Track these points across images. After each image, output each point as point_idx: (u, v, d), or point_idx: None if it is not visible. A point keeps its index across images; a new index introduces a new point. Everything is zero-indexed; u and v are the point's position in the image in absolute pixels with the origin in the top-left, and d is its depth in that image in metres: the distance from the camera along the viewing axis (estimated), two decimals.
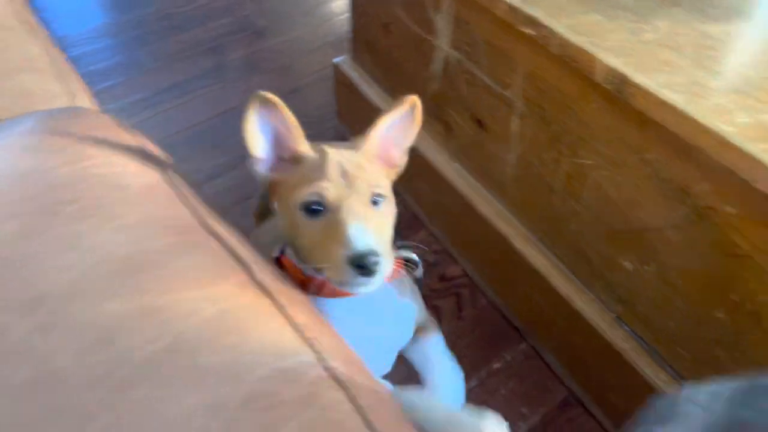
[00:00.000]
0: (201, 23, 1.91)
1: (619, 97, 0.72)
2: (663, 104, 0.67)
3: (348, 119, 1.49)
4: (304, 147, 0.60)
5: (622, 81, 0.70)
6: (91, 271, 0.45)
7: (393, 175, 0.65)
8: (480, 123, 1.03)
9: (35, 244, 0.46)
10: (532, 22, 0.79)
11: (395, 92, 1.26)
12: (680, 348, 0.81)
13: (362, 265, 0.53)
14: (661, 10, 0.80)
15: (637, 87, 0.69)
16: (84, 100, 0.73)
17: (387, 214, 0.60)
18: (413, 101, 0.62)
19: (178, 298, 0.46)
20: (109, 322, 0.43)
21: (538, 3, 0.81)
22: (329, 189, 0.57)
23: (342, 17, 1.97)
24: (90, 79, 1.62)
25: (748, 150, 0.59)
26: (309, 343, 0.45)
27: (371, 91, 1.33)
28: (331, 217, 0.57)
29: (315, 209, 0.57)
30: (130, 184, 0.54)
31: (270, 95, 0.57)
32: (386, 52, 1.24)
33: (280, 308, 0.48)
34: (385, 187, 0.60)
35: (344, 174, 0.58)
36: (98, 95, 1.03)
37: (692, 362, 0.80)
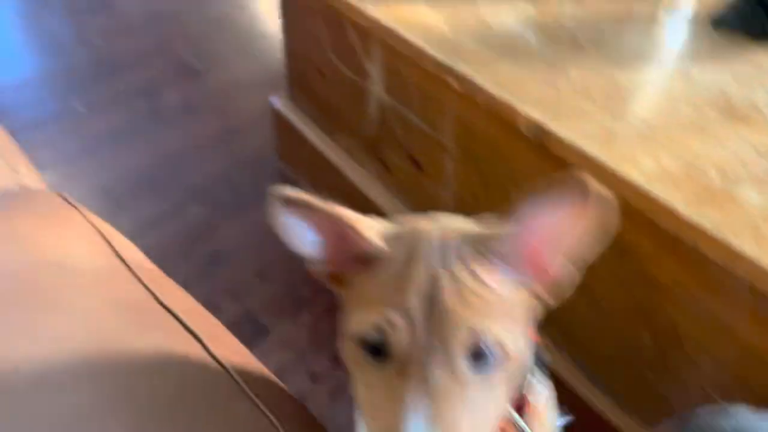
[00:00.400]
0: (134, 66, 1.91)
1: (539, 145, 0.78)
2: (578, 151, 0.73)
3: (289, 158, 1.52)
4: (369, 240, 0.41)
5: (541, 131, 0.76)
6: (53, 361, 0.47)
7: (543, 295, 0.42)
8: (416, 163, 1.08)
9: None
10: (458, 77, 0.85)
11: (334, 133, 1.31)
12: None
13: None
14: (572, 59, 0.87)
15: (554, 136, 0.75)
16: (27, 174, 0.74)
17: (496, 383, 0.38)
18: (582, 182, 0.37)
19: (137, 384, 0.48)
20: (70, 412, 0.45)
21: (462, 57, 0.87)
22: (399, 329, 0.37)
23: (277, 55, 2.00)
24: (23, 129, 1.59)
25: (653, 194, 0.66)
26: None
27: (310, 132, 1.37)
28: (395, 369, 0.37)
29: (375, 348, 0.38)
30: (84, 269, 0.57)
31: (290, 193, 0.42)
32: (322, 94, 1.29)
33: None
34: (507, 333, 0.38)
35: (434, 301, 0.37)
36: (32, 146, 1.01)
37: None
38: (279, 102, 1.45)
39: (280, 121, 1.46)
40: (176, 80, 1.86)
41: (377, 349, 0.38)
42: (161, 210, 1.43)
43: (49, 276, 0.54)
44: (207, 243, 1.36)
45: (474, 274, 0.39)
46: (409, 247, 0.40)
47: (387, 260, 0.40)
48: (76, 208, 0.64)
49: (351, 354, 0.40)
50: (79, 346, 0.49)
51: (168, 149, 1.61)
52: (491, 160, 0.91)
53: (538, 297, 0.42)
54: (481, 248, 0.40)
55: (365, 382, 0.39)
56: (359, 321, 0.39)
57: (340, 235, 0.43)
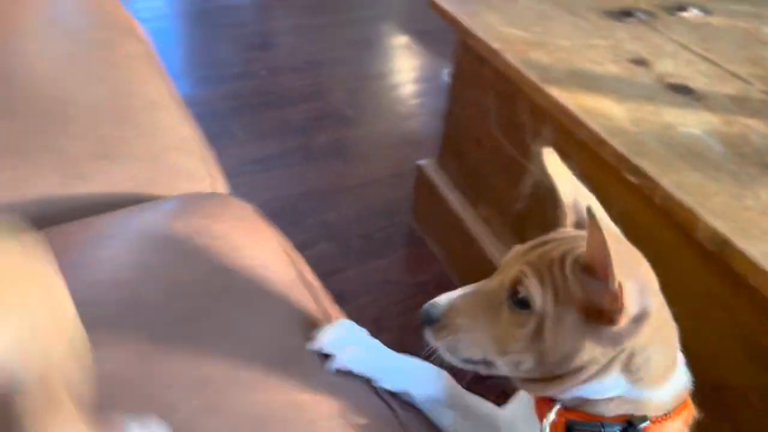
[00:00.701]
0: (293, 104, 2.03)
1: (716, 257, 0.75)
2: (763, 273, 0.70)
3: (424, 220, 1.55)
4: None
5: (724, 243, 0.74)
6: (246, 361, 0.50)
7: (604, 306, 0.46)
8: None
9: (200, 326, 0.51)
10: (638, 172, 0.84)
11: (478, 203, 1.32)
12: None
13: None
14: (762, 179, 0.85)
15: (739, 252, 0.72)
16: (220, 182, 0.80)
17: (515, 324, 0.48)
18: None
19: (317, 398, 0.49)
20: (261, 411, 0.47)
21: (645, 155, 0.86)
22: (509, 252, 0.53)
23: (423, 118, 2.07)
24: None
25: None
26: None
27: (453, 198, 1.39)
28: None
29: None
30: (274, 279, 0.59)
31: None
32: (474, 164, 1.31)
33: None
34: (539, 293, 0.46)
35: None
36: None
37: None
38: (426, 164, 1.49)
39: (422, 181, 1.50)
40: (329, 123, 1.96)
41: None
42: (296, 240, 1.48)
43: (246, 279, 0.57)
44: (331, 281, 1.38)
45: (563, 259, 0.47)
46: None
47: None
48: (265, 222, 0.68)
49: None
50: (268, 353, 0.51)
51: (311, 185, 1.69)
52: (650, 260, 0.89)
53: (599, 310, 0.46)
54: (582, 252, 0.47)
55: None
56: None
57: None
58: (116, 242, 0.59)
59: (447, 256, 1.45)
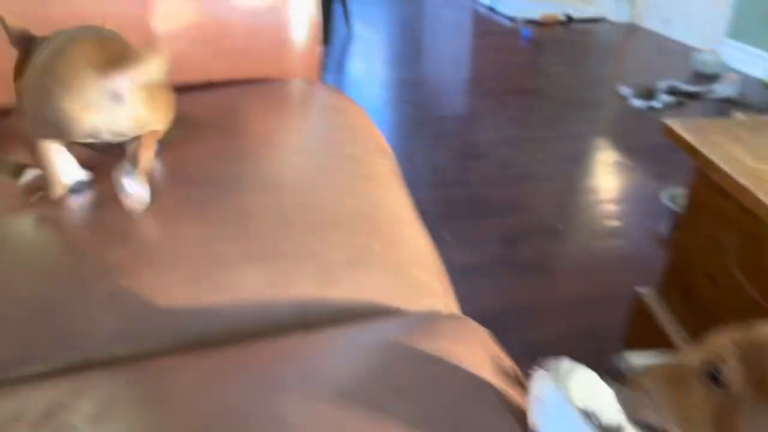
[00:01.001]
0: (503, 214, 2.06)
1: None
2: None
3: (636, 347, 1.45)
4: None
5: None
6: None
7: None
8: None
9: None
10: None
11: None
12: None
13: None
14: None
15: None
16: (452, 299, 0.82)
17: None
18: None
19: None
20: None
21: None
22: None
23: (636, 239, 1.97)
24: None
25: None
26: None
27: (674, 333, 1.29)
28: None
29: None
30: (514, 413, 0.59)
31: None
32: (705, 301, 1.21)
33: None
34: None
35: None
36: None
37: None
38: (646, 293, 1.41)
39: (640, 310, 1.41)
40: (536, 237, 1.95)
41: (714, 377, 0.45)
42: None
43: (488, 408, 0.57)
44: None
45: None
46: None
47: None
48: (500, 351, 0.68)
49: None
50: None
51: (515, 300, 1.67)
52: None
53: None
54: None
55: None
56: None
57: None
58: (364, 354, 0.63)
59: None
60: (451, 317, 0.72)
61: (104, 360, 0.68)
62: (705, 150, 1.14)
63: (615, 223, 2.08)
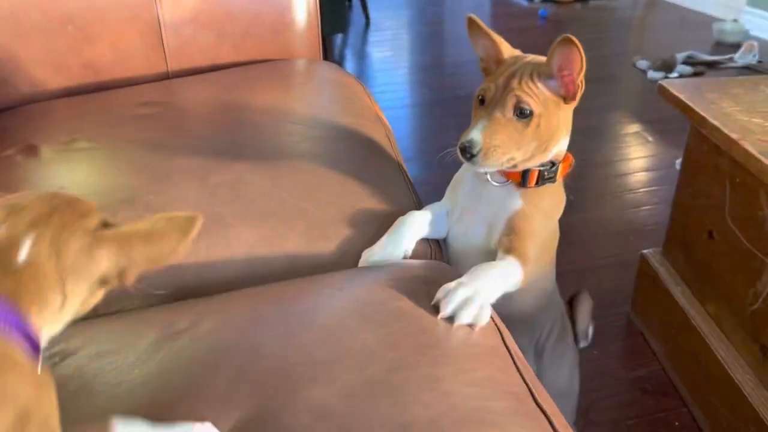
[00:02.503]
0: None
1: None
2: None
3: (643, 311, 1.47)
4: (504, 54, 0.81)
5: None
6: (444, 414, 0.53)
7: (565, 92, 0.77)
8: None
9: (405, 376, 0.56)
10: None
11: (706, 300, 1.23)
12: None
13: (461, 149, 0.76)
14: None
15: None
16: (439, 251, 0.87)
17: (526, 127, 0.76)
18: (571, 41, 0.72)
19: None
20: None
21: None
22: (490, 90, 0.78)
23: (650, 207, 1.98)
24: None
25: None
26: None
27: (677, 291, 1.30)
28: (483, 109, 0.78)
29: (482, 99, 0.79)
30: (478, 342, 0.63)
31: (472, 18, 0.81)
32: (704, 257, 1.23)
33: None
34: (535, 102, 0.75)
35: (509, 81, 0.76)
36: None
37: None
38: (650, 254, 1.43)
39: (645, 272, 1.43)
40: None
41: (482, 100, 0.79)
42: None
43: (450, 339, 0.61)
44: None
45: (531, 76, 0.76)
46: (510, 62, 0.79)
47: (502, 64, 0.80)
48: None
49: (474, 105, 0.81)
50: (466, 409, 0.54)
51: None
52: None
53: (561, 94, 0.78)
54: (539, 67, 0.77)
55: (473, 116, 0.80)
56: (481, 86, 0.80)
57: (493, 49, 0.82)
58: (345, 294, 0.68)
59: (667, 353, 1.35)
60: (428, 263, 0.77)
61: (110, 312, 0.75)
62: (698, 107, 1.16)
63: (631, 194, 2.08)
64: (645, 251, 1.45)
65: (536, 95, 0.75)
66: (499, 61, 0.81)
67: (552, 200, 0.86)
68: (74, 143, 1.02)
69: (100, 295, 0.48)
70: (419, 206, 0.94)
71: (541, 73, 0.76)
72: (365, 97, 1.23)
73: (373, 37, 3.83)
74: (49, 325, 0.44)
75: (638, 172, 2.22)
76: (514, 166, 0.79)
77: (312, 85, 1.26)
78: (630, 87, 2.97)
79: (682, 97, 1.21)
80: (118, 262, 0.46)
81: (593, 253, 1.77)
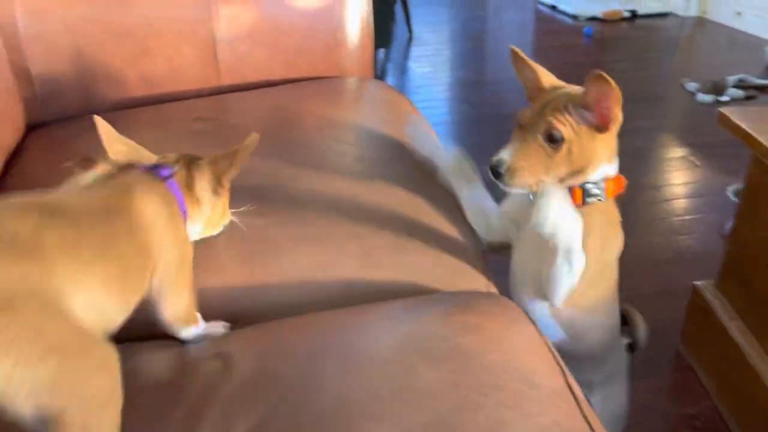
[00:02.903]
0: None
1: None
2: None
3: (693, 344, 1.42)
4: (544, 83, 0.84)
5: None
6: None
7: (599, 124, 0.79)
8: None
9: (469, 418, 0.55)
10: None
11: (763, 334, 1.18)
12: None
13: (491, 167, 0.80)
14: None
15: None
16: (490, 282, 0.85)
17: (556, 153, 0.78)
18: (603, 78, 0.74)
19: None
20: None
21: None
22: (525, 116, 0.81)
23: (699, 235, 1.93)
24: None
25: None
26: None
27: (732, 326, 1.26)
28: (519, 132, 0.82)
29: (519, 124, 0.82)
30: (542, 384, 0.61)
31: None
32: (763, 292, 1.18)
33: None
34: (567, 129, 0.77)
35: (544, 109, 0.79)
36: None
37: None
38: (703, 286, 1.38)
39: (697, 305, 1.38)
40: None
41: (520, 125, 0.81)
42: None
43: (515, 381, 0.60)
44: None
45: (566, 105, 0.78)
46: (548, 90, 0.82)
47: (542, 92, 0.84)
48: (536, 328, 0.70)
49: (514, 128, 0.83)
50: None
51: None
52: None
53: (596, 124, 0.78)
54: (574, 98, 0.79)
55: (510, 139, 0.82)
56: (520, 111, 0.83)
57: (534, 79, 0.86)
58: (405, 327, 0.66)
59: (720, 390, 1.30)
60: (485, 295, 0.75)
61: (165, 335, 0.75)
62: (762, 137, 1.12)
63: (679, 219, 2.03)
64: (697, 283, 1.40)
65: (568, 123, 0.78)
66: (541, 89, 0.83)
67: (603, 218, 0.85)
68: None
69: (217, 209, 0.76)
70: (474, 233, 0.93)
71: (577, 103, 0.78)
72: (412, 111, 1.22)
73: (414, 51, 3.84)
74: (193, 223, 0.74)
75: (686, 197, 2.17)
76: None
77: (364, 104, 1.26)
78: (678, 109, 2.91)
79: (744, 125, 1.17)
80: (215, 172, 0.74)
81: (640, 282, 1.73)
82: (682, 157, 2.43)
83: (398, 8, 3.99)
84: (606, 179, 0.84)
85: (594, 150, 0.80)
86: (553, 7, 4.51)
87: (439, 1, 5.01)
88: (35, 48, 1.19)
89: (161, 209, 0.66)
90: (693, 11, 4.22)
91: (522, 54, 0.85)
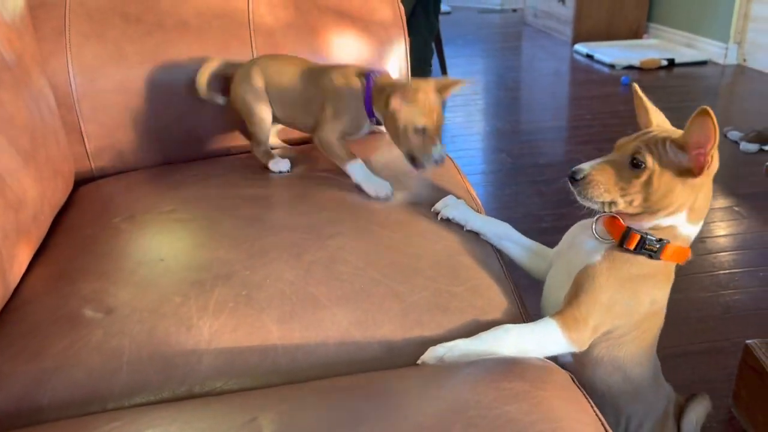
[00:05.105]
0: None
1: None
2: None
3: (747, 407, 1.35)
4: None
5: None
6: None
7: (691, 167, 0.78)
8: None
9: None
10: None
11: None
12: None
13: (570, 174, 0.83)
14: None
15: None
16: None
17: (636, 179, 0.80)
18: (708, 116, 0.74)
19: None
20: None
21: None
22: (624, 139, 0.84)
23: (750, 290, 1.86)
24: None
25: None
26: None
27: None
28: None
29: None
30: None
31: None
32: None
33: None
34: (651, 159, 0.79)
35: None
36: None
37: None
38: (756, 344, 1.32)
39: (750, 366, 1.32)
40: None
41: (616, 148, 0.86)
42: None
43: None
44: None
45: (663, 139, 0.79)
46: (653, 126, 0.85)
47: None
48: (587, 401, 0.68)
49: None
50: None
51: None
52: None
53: (687, 166, 0.79)
54: (673, 134, 0.80)
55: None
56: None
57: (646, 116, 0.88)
58: (446, 393, 0.65)
59: None
60: (532, 360, 0.73)
61: (204, 393, 0.74)
62: None
63: (726, 272, 1.96)
64: (749, 341, 1.34)
65: (656, 153, 0.78)
66: (648, 125, 0.86)
67: (636, 272, 0.83)
68: (174, 213, 1.05)
69: None
70: (514, 285, 0.91)
71: (674, 141, 0.78)
72: (455, 171, 1.22)
73: (450, 101, 3.87)
74: None
75: (734, 250, 2.10)
76: (618, 213, 0.84)
77: (404, 160, 1.27)
78: (721, 158, 2.83)
79: None
80: None
81: (687, 338, 1.67)
82: (728, 208, 2.37)
83: (435, 60, 4.06)
84: (676, 238, 0.83)
85: (674, 191, 0.79)
86: (590, 56, 4.52)
87: (475, 52, 5.08)
88: (86, 105, 1.23)
89: None
90: (732, 59, 4.19)
91: (639, 92, 0.88)
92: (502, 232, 1.00)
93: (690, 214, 0.82)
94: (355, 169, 1.09)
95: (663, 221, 0.82)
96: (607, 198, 0.81)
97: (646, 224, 0.83)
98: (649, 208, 0.81)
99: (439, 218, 1.00)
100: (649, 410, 0.96)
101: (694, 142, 0.76)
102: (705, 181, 0.81)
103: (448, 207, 1.00)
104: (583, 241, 0.88)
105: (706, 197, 0.83)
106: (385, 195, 1.06)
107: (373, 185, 1.08)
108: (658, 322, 0.93)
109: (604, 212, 0.84)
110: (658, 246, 0.82)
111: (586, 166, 0.81)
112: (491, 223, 1.00)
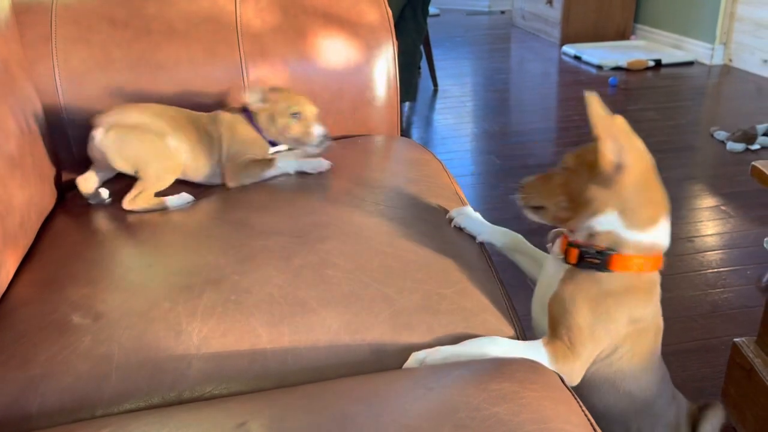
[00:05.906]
0: None
1: None
2: None
3: (736, 404, 1.36)
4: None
5: None
6: None
7: None
8: None
9: None
10: None
11: None
12: None
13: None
14: None
15: None
16: None
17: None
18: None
19: None
20: None
21: None
22: None
23: (737, 288, 1.87)
24: None
25: None
26: None
27: None
28: None
29: None
30: None
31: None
32: None
33: None
34: None
35: None
36: None
37: None
38: (743, 343, 1.33)
39: (738, 364, 1.34)
40: None
41: None
42: None
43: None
44: None
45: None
46: None
47: None
48: (576, 399, 0.68)
49: None
50: None
51: None
52: None
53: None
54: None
55: None
56: None
57: None
58: (436, 395, 0.65)
59: None
60: (520, 361, 0.73)
61: (193, 398, 0.74)
62: None
63: (713, 271, 1.98)
64: (737, 340, 1.35)
65: (581, 155, 0.79)
66: None
67: (604, 289, 0.78)
68: (162, 218, 1.05)
69: None
70: (503, 287, 0.92)
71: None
72: (444, 174, 1.23)
73: (439, 104, 3.88)
74: None
75: (721, 249, 2.12)
76: (558, 224, 0.85)
77: (392, 163, 1.27)
78: (708, 158, 2.88)
79: None
80: None
81: (677, 337, 1.68)
82: (715, 207, 2.39)
83: (423, 62, 4.06)
84: (622, 246, 0.78)
85: (590, 188, 0.77)
86: (578, 58, 4.55)
87: (463, 54, 5.09)
88: (74, 111, 1.23)
89: None
90: (718, 60, 4.22)
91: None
92: (514, 245, 0.99)
93: (625, 216, 0.77)
94: (285, 164, 1.15)
95: (594, 224, 0.78)
96: (536, 202, 0.83)
97: (579, 232, 0.80)
98: (575, 211, 0.79)
99: (452, 225, 1.01)
100: (657, 421, 0.93)
101: (597, 135, 0.74)
102: (631, 180, 0.76)
103: (462, 216, 1.01)
104: (548, 263, 0.87)
105: (645, 199, 0.78)
106: (326, 166, 1.15)
107: (310, 164, 1.14)
108: (649, 336, 0.88)
109: (541, 221, 0.85)
110: (600, 258, 0.78)
111: (531, 178, 0.85)
112: (503, 236, 0.99)
